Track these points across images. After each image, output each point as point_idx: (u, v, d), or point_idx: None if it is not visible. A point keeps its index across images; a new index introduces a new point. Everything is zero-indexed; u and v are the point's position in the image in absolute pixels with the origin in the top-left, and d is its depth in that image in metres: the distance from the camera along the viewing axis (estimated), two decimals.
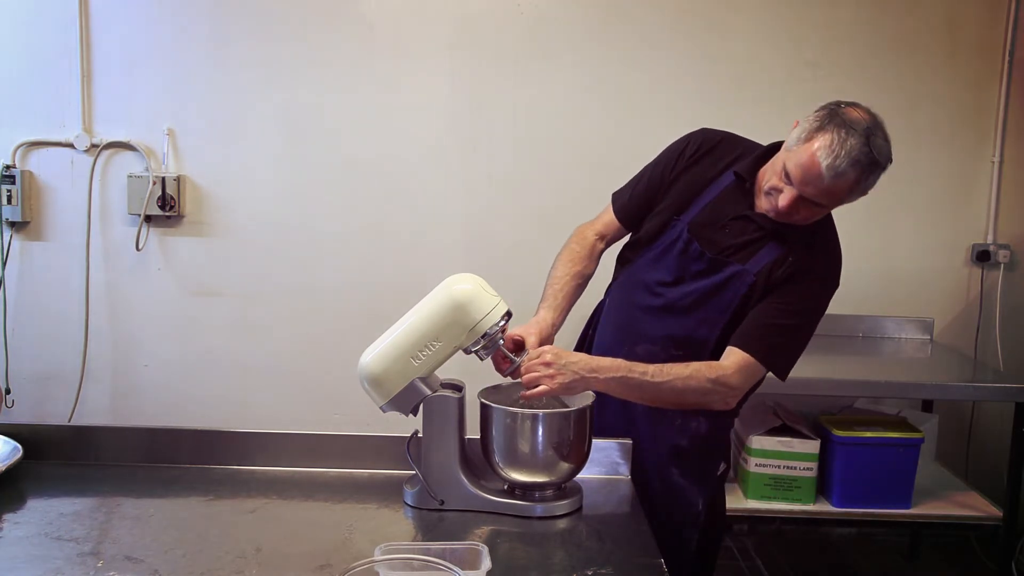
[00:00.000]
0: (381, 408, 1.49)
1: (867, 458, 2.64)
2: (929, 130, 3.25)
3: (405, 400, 1.46)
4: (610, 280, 1.96)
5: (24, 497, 1.48)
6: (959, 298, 3.34)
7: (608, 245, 1.96)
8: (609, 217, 1.93)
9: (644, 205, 1.87)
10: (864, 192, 1.68)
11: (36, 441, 1.60)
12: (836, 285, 1.81)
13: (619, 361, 1.62)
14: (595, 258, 1.92)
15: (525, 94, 3.21)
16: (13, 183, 3.16)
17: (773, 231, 1.73)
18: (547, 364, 1.54)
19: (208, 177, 3.24)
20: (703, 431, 1.82)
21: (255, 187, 3.24)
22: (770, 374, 1.75)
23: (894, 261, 3.31)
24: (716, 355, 1.72)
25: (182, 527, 1.38)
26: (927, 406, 3.18)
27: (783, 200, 1.66)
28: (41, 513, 1.41)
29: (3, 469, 1.49)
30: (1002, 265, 3.29)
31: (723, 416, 1.84)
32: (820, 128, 1.61)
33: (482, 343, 1.48)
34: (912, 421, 2.83)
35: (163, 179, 3.16)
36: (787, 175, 1.65)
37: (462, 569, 1.10)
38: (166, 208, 3.16)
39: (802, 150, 1.62)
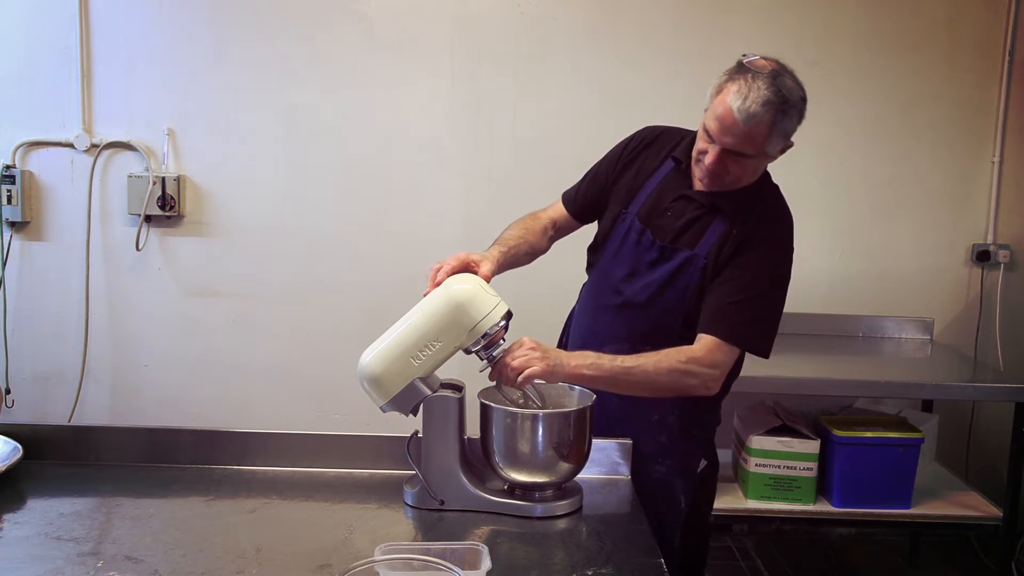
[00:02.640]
0: (381, 408, 1.49)
1: (867, 458, 2.64)
2: (929, 130, 3.26)
3: (405, 400, 1.46)
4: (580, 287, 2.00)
5: (24, 497, 1.48)
6: (959, 298, 3.34)
7: (557, 234, 1.99)
8: (558, 205, 2.00)
9: (592, 197, 1.93)
10: (786, 136, 1.69)
11: (36, 441, 1.60)
12: (790, 249, 1.79)
13: (588, 352, 1.64)
14: (546, 238, 1.96)
15: (525, 94, 3.22)
16: (13, 183, 3.16)
17: (712, 206, 1.75)
18: (532, 349, 1.54)
19: (208, 177, 3.24)
20: (679, 426, 1.81)
21: (255, 187, 3.24)
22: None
23: (894, 261, 3.31)
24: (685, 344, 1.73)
25: (182, 527, 1.38)
26: (927, 406, 3.18)
27: (709, 158, 1.70)
28: (41, 513, 1.41)
29: (3, 469, 1.49)
30: (1002, 265, 3.29)
31: (700, 411, 1.84)
32: (729, 79, 1.67)
33: (482, 343, 1.48)
34: (912, 421, 2.83)
35: (163, 179, 3.16)
36: (708, 134, 1.69)
37: (462, 569, 1.10)
38: (166, 208, 3.16)
39: (716, 103, 1.67)
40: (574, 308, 2.01)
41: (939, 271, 3.32)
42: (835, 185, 3.27)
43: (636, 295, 1.79)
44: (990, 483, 2.99)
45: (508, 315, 1.50)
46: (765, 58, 1.68)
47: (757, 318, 1.71)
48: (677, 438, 1.82)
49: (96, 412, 3.29)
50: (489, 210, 3.22)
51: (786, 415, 2.79)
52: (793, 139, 1.72)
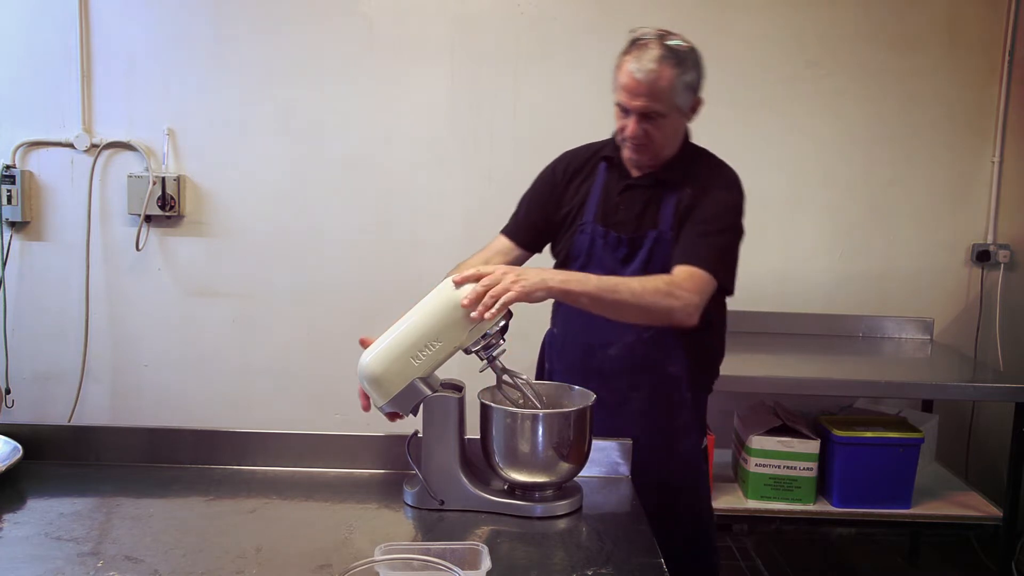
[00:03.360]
0: (381, 408, 1.49)
1: (867, 458, 2.64)
2: (929, 130, 3.26)
3: (405, 400, 1.46)
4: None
5: (24, 497, 1.47)
6: (959, 298, 3.34)
7: None
8: (496, 243, 2.01)
9: (537, 224, 1.98)
10: (691, 88, 1.80)
11: (36, 441, 1.60)
12: (740, 192, 1.86)
13: (574, 271, 1.71)
14: None
15: (525, 94, 3.22)
16: (13, 183, 3.16)
17: (656, 183, 1.84)
18: (506, 274, 1.50)
19: (208, 177, 3.24)
20: (693, 399, 1.89)
21: (255, 187, 3.24)
22: None
23: (894, 261, 3.31)
24: (678, 332, 1.78)
25: (182, 527, 1.38)
26: (927, 406, 3.18)
27: (629, 128, 1.79)
28: (41, 513, 1.41)
29: (3, 469, 1.49)
30: (1002, 265, 3.29)
31: (703, 390, 1.93)
32: (624, 54, 1.81)
33: (482, 343, 1.48)
34: (912, 421, 2.83)
35: (163, 179, 3.16)
36: (621, 107, 1.80)
37: (462, 569, 1.10)
38: (166, 208, 3.16)
39: (618, 77, 1.80)
40: (550, 331, 2.02)
41: (939, 271, 3.32)
42: (835, 185, 3.27)
43: None
44: (990, 483, 2.99)
45: (508, 315, 1.50)
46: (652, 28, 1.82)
47: (722, 252, 1.80)
48: (694, 414, 1.90)
49: (96, 412, 3.29)
50: (489, 210, 3.20)
51: (786, 415, 2.79)
52: (703, 95, 1.82)
